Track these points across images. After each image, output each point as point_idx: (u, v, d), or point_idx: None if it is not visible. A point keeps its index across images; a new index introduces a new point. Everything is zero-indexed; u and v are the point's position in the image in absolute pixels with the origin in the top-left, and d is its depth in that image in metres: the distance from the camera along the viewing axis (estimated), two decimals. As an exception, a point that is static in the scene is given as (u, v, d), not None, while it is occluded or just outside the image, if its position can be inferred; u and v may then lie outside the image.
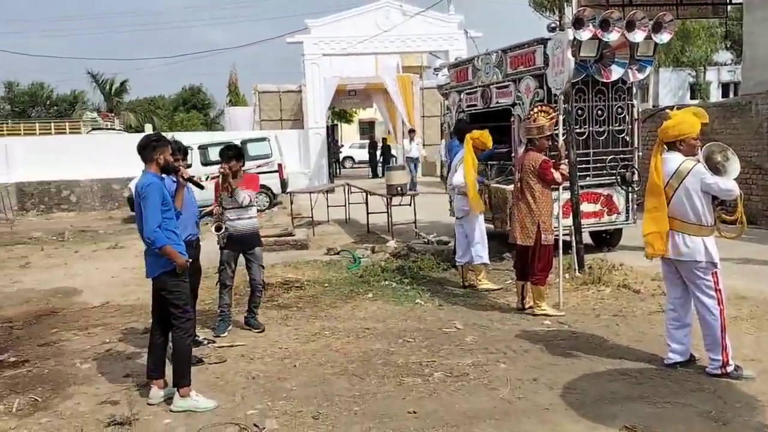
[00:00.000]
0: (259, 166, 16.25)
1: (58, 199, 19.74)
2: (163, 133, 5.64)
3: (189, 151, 15.85)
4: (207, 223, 6.13)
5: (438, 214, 12.23)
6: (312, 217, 12.58)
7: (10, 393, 4.84)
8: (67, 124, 33.06)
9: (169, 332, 4.60)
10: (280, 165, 16.46)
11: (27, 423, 4.32)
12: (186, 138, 19.38)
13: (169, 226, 4.43)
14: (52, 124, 32.62)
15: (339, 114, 43.57)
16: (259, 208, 6.42)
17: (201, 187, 5.27)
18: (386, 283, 7.90)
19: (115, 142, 20.96)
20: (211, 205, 6.17)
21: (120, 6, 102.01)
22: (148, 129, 31.25)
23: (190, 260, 4.62)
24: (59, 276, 9.38)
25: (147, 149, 4.49)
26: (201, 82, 72.07)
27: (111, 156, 18.87)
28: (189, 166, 6.08)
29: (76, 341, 6.16)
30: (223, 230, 6.01)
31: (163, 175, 4.56)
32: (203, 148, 16.53)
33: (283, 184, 16.49)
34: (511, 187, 7.91)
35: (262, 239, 9.74)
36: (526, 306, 6.53)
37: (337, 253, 9.82)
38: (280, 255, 9.87)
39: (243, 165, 6.17)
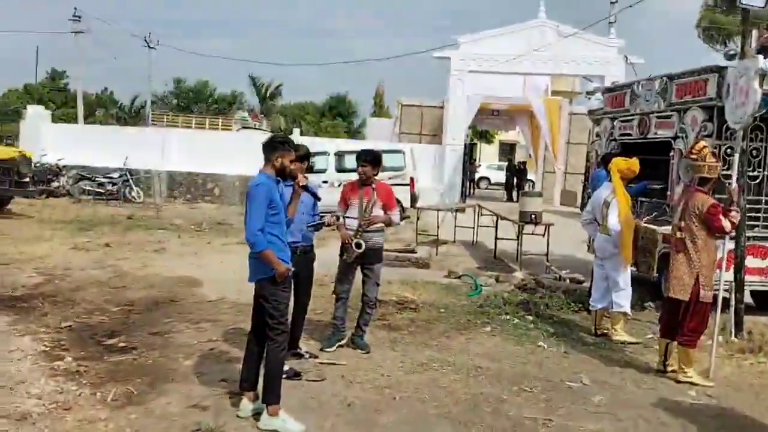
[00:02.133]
0: (390, 178, 16.08)
1: (203, 191, 20.86)
2: (299, 137, 5.41)
3: (326, 156, 16.24)
4: (327, 225, 5.77)
5: (573, 248, 11.33)
6: (437, 236, 12.12)
7: (109, 381, 4.81)
8: (220, 120, 35.31)
9: (265, 343, 4.32)
10: (412, 179, 16.20)
11: (117, 416, 4.22)
12: (325, 144, 19.86)
13: (274, 230, 4.17)
14: (207, 120, 34.99)
15: (480, 133, 42.96)
16: (398, 224, 6.10)
17: (318, 199, 5.00)
18: (507, 317, 7.26)
19: (260, 142, 21.75)
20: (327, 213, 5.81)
21: (282, 14, 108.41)
22: (295, 132, 32.44)
23: (292, 269, 4.32)
24: (186, 264, 9.63)
25: (268, 148, 4.28)
26: (348, 90, 74.70)
27: (254, 154, 19.47)
28: (310, 168, 5.82)
29: (185, 334, 6.12)
30: (363, 248, 5.61)
31: (279, 179, 4.33)
32: (340, 155, 16.67)
33: (414, 198, 16.21)
34: (664, 228, 7.00)
35: (384, 251, 9.42)
36: (669, 369, 5.63)
37: (459, 278, 9.28)
38: (400, 272, 9.50)
39: (377, 173, 5.86)
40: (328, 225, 5.61)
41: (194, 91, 52.66)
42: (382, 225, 5.84)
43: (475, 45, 21.33)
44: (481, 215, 12.95)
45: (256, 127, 35.89)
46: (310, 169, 5.83)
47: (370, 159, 5.77)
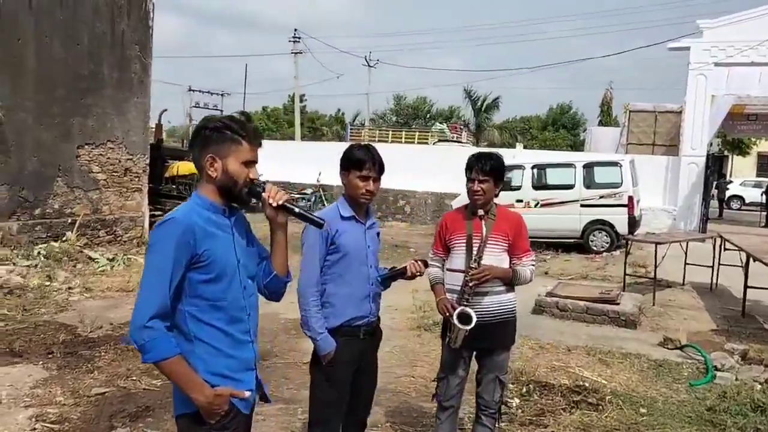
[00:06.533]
0: (602, 197, 13.04)
1: (395, 208, 19.56)
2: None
3: (521, 171, 13.72)
4: (410, 276, 3.32)
5: None
6: (655, 276, 8.88)
7: None
8: (417, 133, 33.99)
9: None
10: (630, 198, 12.89)
11: None
12: (523, 156, 17.28)
13: (203, 315, 2.08)
14: (404, 133, 33.91)
15: (732, 143, 36.57)
16: (528, 282, 3.54)
17: (319, 225, 2.59)
18: (758, 438, 4.28)
19: (455, 155, 19.85)
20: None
21: (501, 18, 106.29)
22: (518, 147, 29.87)
23: (246, 395, 2.19)
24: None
25: (196, 143, 2.22)
26: (571, 100, 69.86)
27: (449, 169, 17.68)
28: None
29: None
30: (473, 323, 3.23)
31: (225, 208, 2.24)
32: (540, 169, 13.99)
33: (632, 222, 12.88)
34: None
35: (569, 300, 6.95)
36: None
37: (680, 349, 6.27)
38: (590, 332, 6.76)
39: (498, 193, 3.47)
40: (412, 276, 3.21)
41: (413, 107, 53.03)
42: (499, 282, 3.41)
43: (724, 31, 17.01)
44: (725, 249, 9.43)
45: (454, 139, 33.75)
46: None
47: (490, 169, 3.38)
